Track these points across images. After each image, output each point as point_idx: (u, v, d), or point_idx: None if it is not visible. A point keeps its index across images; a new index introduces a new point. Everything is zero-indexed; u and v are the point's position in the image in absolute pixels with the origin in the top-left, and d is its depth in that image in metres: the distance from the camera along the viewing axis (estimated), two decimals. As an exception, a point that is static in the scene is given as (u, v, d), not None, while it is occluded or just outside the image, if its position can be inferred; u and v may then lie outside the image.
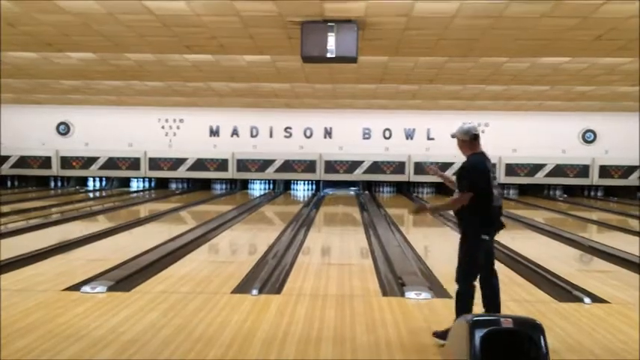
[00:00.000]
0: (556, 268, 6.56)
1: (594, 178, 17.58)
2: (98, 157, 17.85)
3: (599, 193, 17.99)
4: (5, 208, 11.98)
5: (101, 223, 10.68)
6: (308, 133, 17.95)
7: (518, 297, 5.35)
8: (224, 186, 18.44)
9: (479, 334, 2.33)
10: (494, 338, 2.37)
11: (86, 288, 5.31)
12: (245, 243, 8.88)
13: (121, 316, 4.54)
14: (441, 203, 4.85)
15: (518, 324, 2.38)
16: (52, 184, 18.37)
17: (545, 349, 2.36)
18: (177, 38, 8.22)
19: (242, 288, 5.51)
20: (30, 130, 17.76)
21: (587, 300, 5.17)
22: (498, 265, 6.80)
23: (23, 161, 17.81)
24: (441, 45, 8.36)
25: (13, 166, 17.84)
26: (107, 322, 4.35)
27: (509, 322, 2.35)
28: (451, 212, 4.34)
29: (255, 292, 5.28)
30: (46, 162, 17.84)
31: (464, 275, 4.03)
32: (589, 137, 17.63)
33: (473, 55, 9.19)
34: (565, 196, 17.78)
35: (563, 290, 5.63)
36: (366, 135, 17.71)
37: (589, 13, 6.71)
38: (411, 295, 5.26)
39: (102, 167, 17.91)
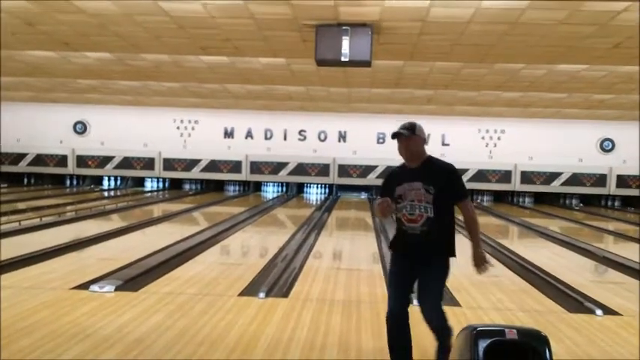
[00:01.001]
0: (568, 279, 6.46)
1: (611, 188, 17.34)
2: (113, 157, 17.99)
3: (617, 203, 17.74)
4: (21, 205, 12.11)
5: (114, 222, 10.75)
6: (322, 137, 17.94)
7: (527, 307, 5.28)
8: (237, 187, 18.49)
9: (482, 344, 2.28)
10: (498, 349, 2.32)
11: (94, 287, 5.33)
12: (255, 245, 8.87)
13: (127, 316, 4.54)
14: (475, 235, 3.43)
15: (523, 335, 2.33)
16: (68, 182, 18.55)
17: (550, 361, 2.30)
18: (193, 40, 8.26)
19: (249, 291, 5.49)
20: (48, 129, 17.96)
21: (598, 312, 5.08)
22: (507, 274, 6.80)
23: (40, 159, 18.01)
24: (457, 50, 8.30)
25: (30, 164, 18.04)
26: (113, 322, 4.36)
27: (513, 333, 2.30)
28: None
29: (262, 295, 5.26)
30: (62, 160, 18.03)
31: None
32: (607, 146, 17.40)
33: (488, 61, 9.12)
34: (581, 205, 17.56)
35: (574, 301, 5.54)
36: (381, 139, 17.65)
37: (607, 21, 6.62)
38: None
39: (117, 167, 18.04)
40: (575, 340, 4.33)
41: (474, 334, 2.33)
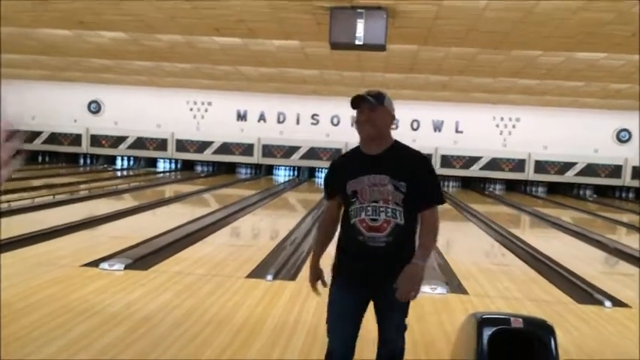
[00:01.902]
0: (578, 269, 6.40)
1: (626, 179, 17.13)
2: (127, 137, 18.07)
3: (631, 195, 17.53)
4: (35, 183, 12.23)
5: (126, 202, 10.82)
6: (335, 121, 17.87)
7: (536, 297, 5.25)
8: (249, 170, 18.52)
9: (487, 332, 2.27)
10: (502, 337, 2.30)
11: (104, 265, 5.37)
12: (265, 228, 8.89)
13: (135, 294, 4.58)
14: (428, 250, 2.53)
15: (529, 324, 2.31)
16: (82, 161, 18.69)
17: (555, 351, 2.28)
18: (206, 20, 8.22)
19: (257, 273, 5.51)
20: (62, 107, 18.05)
21: (607, 303, 5.04)
22: (517, 263, 6.76)
23: (54, 137, 18.14)
24: (472, 36, 8.19)
25: (44, 142, 18.17)
26: (121, 300, 4.40)
27: (519, 322, 2.28)
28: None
29: (269, 277, 5.28)
30: (76, 139, 18.14)
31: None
32: (624, 137, 17.16)
33: (504, 47, 8.99)
34: (595, 196, 17.38)
35: (583, 292, 5.50)
36: (394, 125, 17.52)
37: (627, 9, 6.48)
38: (425, 289, 5.19)
39: (130, 147, 18.13)
40: (583, 331, 4.30)
41: (479, 321, 2.31)
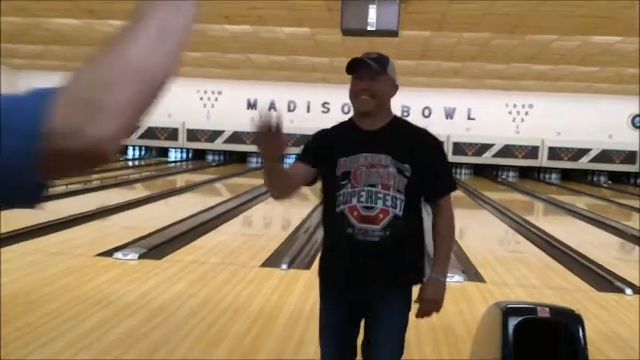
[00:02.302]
0: (596, 256, 6.32)
1: (642, 165, 16.92)
2: (138, 127, 18.02)
3: (646, 181, 17.33)
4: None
5: (138, 192, 10.82)
6: (346, 109, 17.72)
7: (554, 284, 5.18)
8: (260, 159, 18.42)
9: (512, 322, 2.20)
10: (528, 327, 2.24)
11: (118, 254, 5.36)
12: (278, 217, 8.86)
13: (150, 283, 4.56)
14: (446, 255, 2.24)
15: (556, 314, 2.25)
16: (93, 151, 18.70)
17: (584, 341, 2.22)
18: (217, 7, 8.14)
19: (271, 262, 5.47)
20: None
21: (628, 291, 4.95)
22: (533, 250, 6.68)
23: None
24: (487, 20, 8.06)
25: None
26: (136, 289, 4.38)
27: (545, 312, 2.22)
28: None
29: (284, 266, 5.24)
30: (87, 129, 18.16)
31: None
32: (638, 122, 16.92)
33: (519, 32, 8.85)
34: (610, 182, 17.18)
35: (602, 279, 5.42)
36: (405, 113, 17.39)
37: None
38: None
39: (141, 137, 18.13)
40: (604, 318, 4.22)
41: (504, 311, 2.25)
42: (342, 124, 2.23)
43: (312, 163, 2.16)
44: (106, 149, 0.65)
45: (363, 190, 2.03)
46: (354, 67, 2.07)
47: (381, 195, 2.01)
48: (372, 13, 6.97)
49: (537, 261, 6.22)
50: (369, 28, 7.01)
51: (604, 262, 6.04)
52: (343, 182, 2.07)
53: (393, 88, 2.14)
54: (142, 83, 0.65)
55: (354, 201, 2.03)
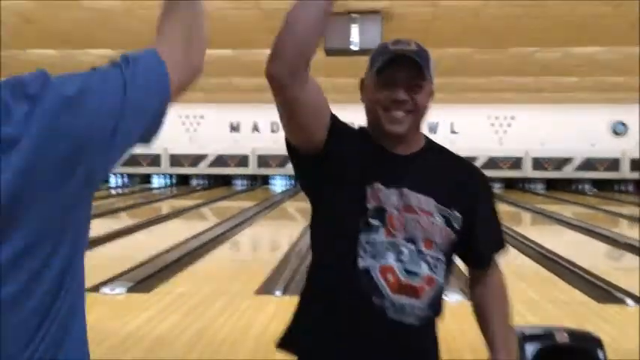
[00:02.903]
0: (591, 266, 6.27)
1: (625, 172, 17.06)
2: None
3: (630, 188, 17.46)
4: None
5: (122, 221, 10.60)
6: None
7: (554, 298, 5.10)
8: (245, 182, 18.32)
9: (530, 349, 2.10)
10: (547, 352, 2.14)
11: (105, 289, 5.18)
12: (267, 240, 8.72)
13: (141, 318, 4.39)
14: (512, 344, 1.60)
15: (575, 339, 2.15)
16: (75, 181, 18.42)
17: (605, 365, 2.12)
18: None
19: (266, 288, 5.33)
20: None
21: (629, 302, 4.88)
22: (527, 263, 6.61)
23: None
24: (470, 35, 8.08)
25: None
26: (127, 326, 4.20)
27: (564, 337, 2.12)
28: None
29: (278, 292, 5.10)
30: (68, 159, 17.91)
31: None
32: (620, 129, 17.11)
33: (502, 45, 8.89)
34: (595, 190, 17.30)
35: (601, 290, 5.35)
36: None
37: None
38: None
39: (124, 164, 17.88)
40: (610, 333, 4.14)
41: (521, 337, 2.14)
42: (361, 134, 1.49)
43: (331, 124, 1.44)
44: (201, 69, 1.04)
45: (405, 246, 1.36)
46: (389, 61, 1.38)
47: (426, 257, 1.38)
48: (355, 31, 6.95)
49: (532, 273, 6.16)
50: (352, 48, 6.99)
51: (600, 272, 5.99)
52: (374, 223, 1.37)
53: (431, 98, 1.46)
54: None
55: (391, 259, 1.35)
